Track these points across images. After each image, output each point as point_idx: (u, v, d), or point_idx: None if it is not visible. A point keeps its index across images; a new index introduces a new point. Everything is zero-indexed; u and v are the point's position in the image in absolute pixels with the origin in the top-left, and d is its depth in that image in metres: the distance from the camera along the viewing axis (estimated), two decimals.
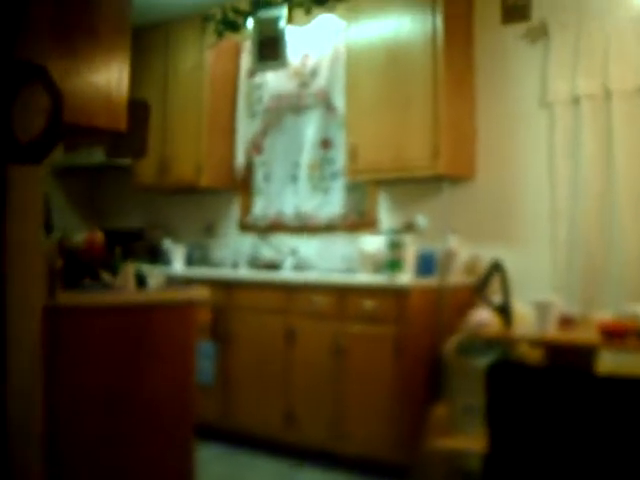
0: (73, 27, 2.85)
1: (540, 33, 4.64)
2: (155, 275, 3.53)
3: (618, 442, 2.31)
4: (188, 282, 4.90)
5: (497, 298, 4.10)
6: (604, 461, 2.32)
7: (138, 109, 3.76)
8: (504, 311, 3.94)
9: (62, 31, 2.80)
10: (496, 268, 4.07)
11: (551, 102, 4.58)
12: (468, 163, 4.87)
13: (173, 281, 4.53)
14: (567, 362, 3.70)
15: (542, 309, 3.71)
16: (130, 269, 3.26)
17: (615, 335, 3.55)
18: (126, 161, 5.65)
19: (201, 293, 3.51)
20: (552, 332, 3.72)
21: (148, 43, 5.94)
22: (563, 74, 4.49)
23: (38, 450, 2.70)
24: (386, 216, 5.25)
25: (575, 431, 2.40)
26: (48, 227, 3.25)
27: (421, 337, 4.42)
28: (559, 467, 2.43)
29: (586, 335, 3.72)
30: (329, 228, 5.51)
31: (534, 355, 3.93)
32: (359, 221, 5.37)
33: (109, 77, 3.06)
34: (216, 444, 4.96)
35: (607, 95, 4.33)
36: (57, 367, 2.82)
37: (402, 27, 4.79)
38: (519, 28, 4.74)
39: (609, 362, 3.83)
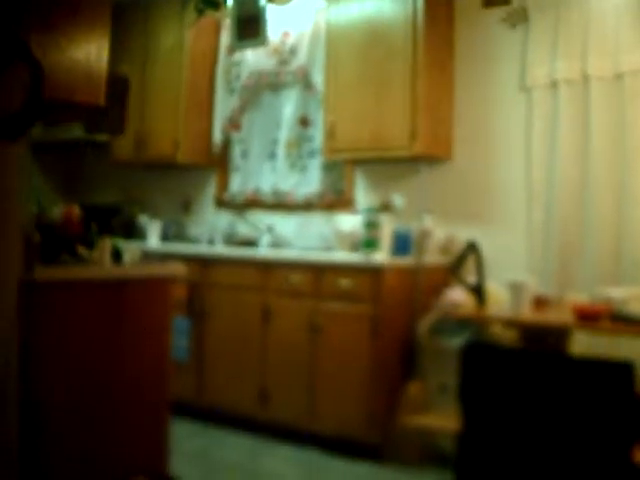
0: (54, 1, 2.82)
1: (520, 17, 4.65)
2: (131, 250, 3.52)
3: (589, 422, 2.35)
4: (164, 258, 4.90)
5: (471, 278, 4.14)
6: (576, 442, 2.36)
7: (117, 84, 3.74)
8: (478, 291, 3.98)
9: (42, 4, 2.77)
10: (471, 249, 4.10)
11: (530, 86, 4.61)
12: (445, 144, 4.89)
13: (149, 257, 4.52)
14: (540, 343, 3.75)
15: (516, 290, 3.75)
16: (106, 244, 3.25)
17: (589, 317, 3.59)
18: (104, 137, 5.61)
19: (177, 269, 3.51)
20: (526, 313, 3.76)
21: (128, 19, 5.88)
22: (542, 59, 4.52)
23: (14, 424, 2.70)
24: (363, 195, 5.26)
25: (547, 412, 2.44)
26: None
27: (396, 316, 4.45)
28: (531, 446, 2.47)
29: (560, 317, 3.77)
30: (306, 206, 5.52)
31: (507, 335, 3.98)
32: (336, 200, 5.38)
33: (88, 52, 3.03)
34: (190, 421, 4.98)
35: (585, 80, 4.36)
36: (34, 341, 2.82)
37: (383, 7, 4.78)
38: (500, 12, 4.75)
39: (582, 344, 3.89)
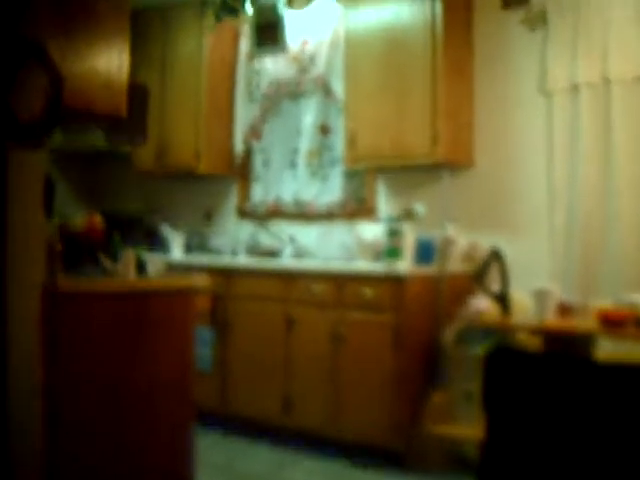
0: (74, 9, 2.83)
1: (539, 19, 4.62)
2: (154, 262, 3.53)
3: (615, 430, 2.31)
4: (187, 269, 4.90)
5: (495, 286, 4.10)
6: (601, 449, 2.33)
7: (137, 94, 3.75)
8: (502, 299, 3.94)
9: (63, 12, 2.78)
10: (495, 256, 4.07)
11: (550, 90, 4.57)
12: (467, 150, 4.86)
13: (172, 268, 4.52)
14: (565, 350, 3.71)
15: (540, 297, 3.72)
16: (131, 255, 3.26)
17: (614, 323, 3.55)
18: (125, 146, 5.64)
19: (201, 280, 3.52)
20: (551, 320, 3.72)
21: (147, 27, 5.90)
22: (562, 61, 4.49)
23: (38, 431, 2.70)
24: (385, 204, 5.24)
25: (572, 418, 2.40)
26: (49, 210, 3.25)
27: (419, 325, 4.42)
28: (556, 454, 2.43)
29: (585, 323, 3.72)
30: (328, 215, 5.50)
31: (532, 343, 3.94)
32: (358, 208, 5.36)
33: (109, 61, 3.04)
34: (214, 431, 4.97)
35: (606, 84, 4.33)
36: (56, 350, 2.82)
37: (401, 12, 4.77)
38: (519, 14, 4.72)
39: (607, 350, 3.84)
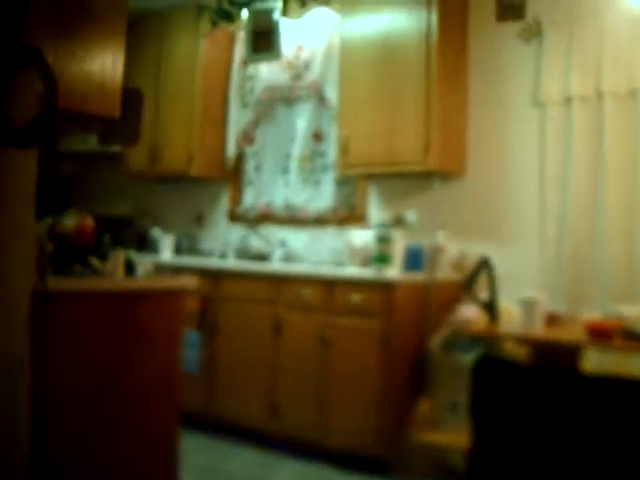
0: (71, 10, 2.84)
1: (534, 32, 4.65)
2: (143, 263, 3.53)
3: (601, 440, 2.32)
4: (176, 271, 4.90)
5: (484, 295, 4.12)
6: (586, 459, 2.34)
7: (132, 97, 3.75)
8: (490, 308, 3.96)
9: (60, 14, 2.79)
10: (484, 265, 4.09)
11: (543, 102, 4.60)
12: (459, 159, 4.89)
13: (162, 270, 4.53)
14: (552, 360, 3.73)
15: (528, 307, 3.74)
16: (120, 256, 3.26)
17: (601, 334, 3.58)
18: (117, 148, 5.65)
19: (190, 282, 3.52)
20: (538, 330, 3.74)
21: (142, 31, 5.91)
22: (556, 74, 4.52)
23: (24, 433, 2.70)
24: (376, 211, 5.26)
25: (558, 429, 2.42)
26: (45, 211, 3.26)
27: (407, 331, 4.43)
28: (542, 464, 2.45)
29: (572, 334, 3.74)
30: (319, 221, 5.52)
31: (519, 353, 3.96)
32: (349, 215, 5.38)
33: (104, 63, 3.05)
34: (200, 433, 4.97)
35: (599, 97, 4.35)
36: (45, 351, 2.82)
37: (397, 22, 4.79)
38: (514, 26, 4.75)
39: (593, 362, 3.86)
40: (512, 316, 4.05)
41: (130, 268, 3.33)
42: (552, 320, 3.88)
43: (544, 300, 3.85)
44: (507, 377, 2.65)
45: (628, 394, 2.39)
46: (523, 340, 3.81)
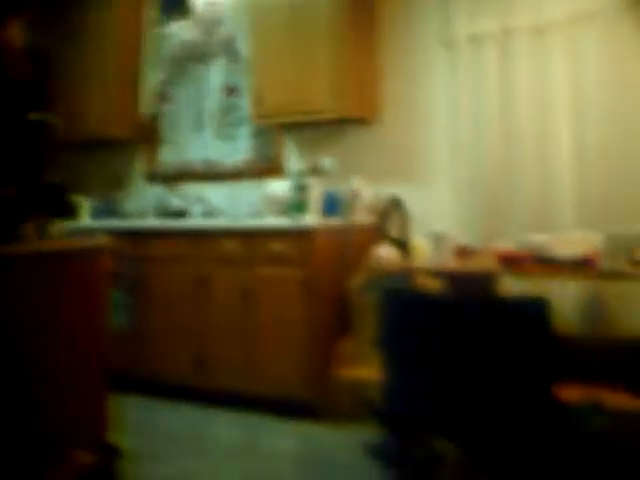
0: None
1: None
2: (57, 227, 3.53)
3: (509, 361, 2.38)
4: (95, 234, 4.87)
5: (398, 234, 4.19)
6: (497, 381, 2.41)
7: (37, 58, 3.69)
8: (403, 245, 4.03)
9: None
10: (395, 205, 4.15)
11: (452, 42, 4.64)
12: (371, 105, 4.93)
13: (81, 233, 4.49)
14: (466, 290, 3.81)
15: (437, 240, 3.81)
16: (32, 222, 3.25)
17: (512, 262, 3.67)
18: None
19: (103, 241, 3.52)
20: (447, 262, 3.82)
21: None
22: (464, 13, 4.56)
23: None
24: (293, 161, 5.29)
25: (464, 352, 2.48)
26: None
27: (328, 276, 4.48)
28: (453, 390, 2.51)
29: (482, 263, 3.83)
30: (237, 175, 5.52)
31: (436, 287, 4.03)
32: (266, 167, 5.39)
33: None
34: (132, 393, 4.96)
35: (507, 34, 4.41)
36: None
37: None
38: None
39: (513, 289, 3.96)
40: (426, 252, 4.13)
41: (43, 232, 3.33)
42: (464, 253, 3.96)
43: (452, 234, 3.93)
44: (412, 306, 2.71)
45: (530, 312, 2.46)
46: (433, 272, 3.88)
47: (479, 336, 2.46)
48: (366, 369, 4.06)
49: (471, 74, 4.58)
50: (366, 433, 3.40)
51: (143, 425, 4.45)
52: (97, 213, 5.84)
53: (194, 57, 5.75)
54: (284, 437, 4.19)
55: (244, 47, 5.33)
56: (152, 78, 5.90)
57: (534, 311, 2.43)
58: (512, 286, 3.97)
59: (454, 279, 3.86)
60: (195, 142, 5.78)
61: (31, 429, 3.06)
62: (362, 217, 4.72)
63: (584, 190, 4.19)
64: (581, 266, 3.44)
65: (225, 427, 4.41)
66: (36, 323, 3.09)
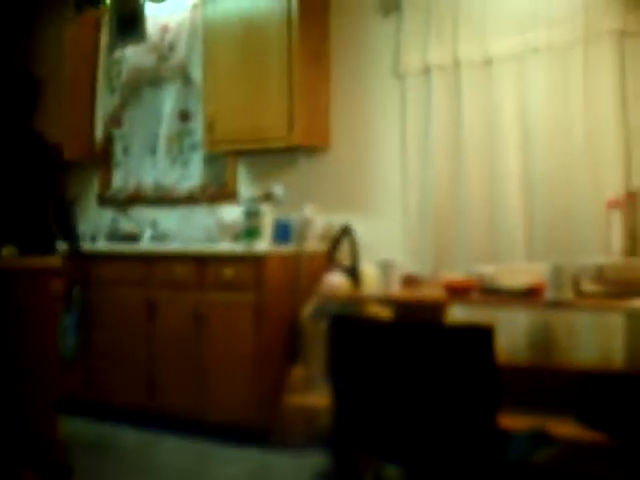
0: None
1: (392, 5, 4.76)
2: (8, 249, 3.53)
3: (452, 388, 2.42)
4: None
5: (348, 262, 4.24)
6: (441, 408, 2.45)
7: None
8: (353, 273, 4.09)
9: None
10: (345, 233, 4.21)
11: (403, 73, 4.72)
12: (323, 134, 4.99)
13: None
14: (413, 318, 3.87)
15: (385, 269, 3.86)
16: None
17: (459, 291, 3.73)
18: None
19: (53, 261, 3.52)
20: (395, 290, 3.87)
21: (7, 15, 5.80)
22: (415, 45, 4.63)
23: None
24: (245, 187, 5.33)
25: (407, 379, 2.53)
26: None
27: (279, 303, 4.52)
28: (398, 416, 2.55)
29: (429, 292, 3.90)
30: (189, 200, 5.55)
31: (385, 315, 4.09)
32: (219, 192, 5.43)
33: None
34: (80, 417, 4.94)
35: (456, 66, 4.50)
36: None
37: (258, 1, 4.85)
38: (374, 0, 4.86)
39: (460, 318, 4.03)
40: (375, 280, 4.18)
41: None
42: (411, 281, 4.02)
43: (401, 263, 3.99)
44: (359, 333, 2.75)
45: (474, 340, 2.51)
46: (381, 300, 3.93)
47: (423, 362, 2.51)
48: (316, 396, 4.10)
49: (421, 104, 4.65)
50: (316, 460, 3.43)
51: (93, 447, 4.43)
52: None
53: (148, 82, 5.78)
54: (234, 464, 4.20)
55: (198, 73, 5.36)
56: (106, 102, 5.89)
57: (477, 338, 2.48)
58: (459, 315, 4.05)
59: (401, 307, 3.92)
60: (148, 166, 5.81)
61: None
62: (314, 245, 4.77)
63: (531, 221, 4.28)
64: (528, 296, 3.52)
65: (175, 452, 4.40)
66: None
